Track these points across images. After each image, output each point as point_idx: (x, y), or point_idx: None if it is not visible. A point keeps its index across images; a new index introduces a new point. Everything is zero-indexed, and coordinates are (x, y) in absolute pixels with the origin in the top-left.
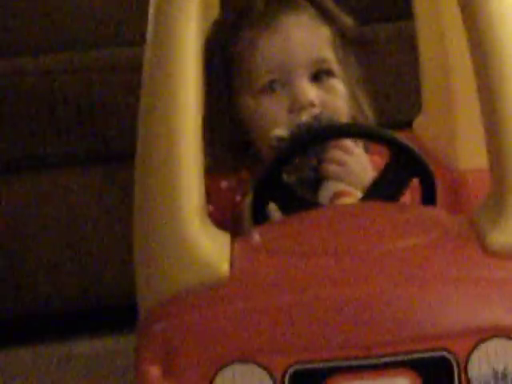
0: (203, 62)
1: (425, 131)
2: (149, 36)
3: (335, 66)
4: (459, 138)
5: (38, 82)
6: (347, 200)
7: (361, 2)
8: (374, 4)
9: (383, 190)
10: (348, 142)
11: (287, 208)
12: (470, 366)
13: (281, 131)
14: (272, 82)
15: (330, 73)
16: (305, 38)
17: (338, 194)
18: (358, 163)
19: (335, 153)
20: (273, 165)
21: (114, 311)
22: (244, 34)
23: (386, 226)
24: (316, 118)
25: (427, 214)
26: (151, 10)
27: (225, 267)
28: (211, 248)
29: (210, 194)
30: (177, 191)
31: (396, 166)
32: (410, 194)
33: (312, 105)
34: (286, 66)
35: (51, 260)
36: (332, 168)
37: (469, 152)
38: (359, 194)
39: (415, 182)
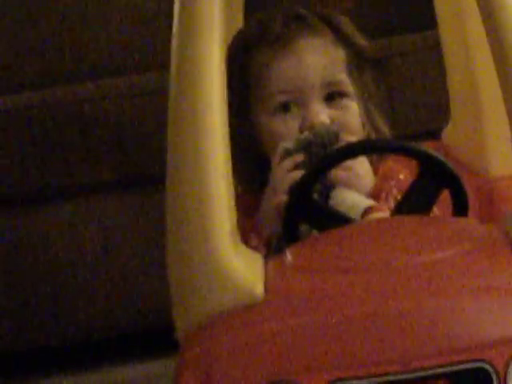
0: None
1: (454, 140)
2: (173, 60)
3: (349, 87)
4: (489, 145)
5: (68, 111)
6: (378, 215)
7: (387, 13)
8: (401, 14)
9: (414, 203)
10: None
11: (319, 226)
12: (509, 376)
13: (287, 144)
14: (286, 102)
15: (343, 94)
16: (319, 62)
17: (369, 210)
18: (362, 168)
19: None
20: (303, 183)
21: (153, 336)
22: (261, 55)
23: (418, 240)
24: (315, 131)
25: (459, 225)
26: (174, 34)
27: (259, 288)
28: (245, 269)
29: None
30: (208, 214)
31: (426, 179)
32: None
33: (323, 125)
34: (300, 89)
35: (89, 286)
36: (341, 174)
37: (499, 159)
38: (389, 209)
39: (446, 193)
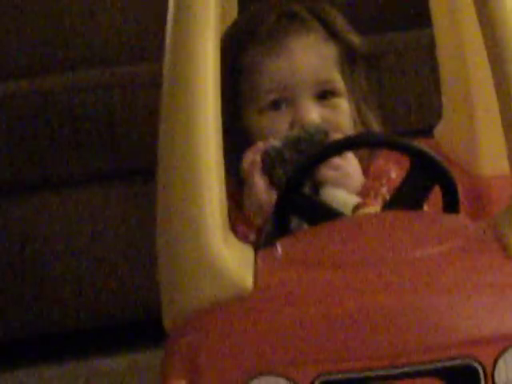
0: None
1: (446, 138)
2: (167, 53)
3: (340, 85)
4: (480, 143)
5: (59, 101)
6: (369, 210)
7: (380, 11)
8: (394, 12)
9: (405, 198)
10: None
11: (309, 219)
12: (496, 373)
13: (274, 141)
14: (276, 100)
15: (334, 92)
16: (310, 60)
17: (359, 205)
18: (351, 166)
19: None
20: (294, 176)
21: (140, 326)
22: (252, 51)
23: (408, 236)
24: (304, 128)
25: (449, 221)
26: (168, 27)
27: (249, 281)
28: (235, 262)
29: None
30: (199, 206)
31: (417, 174)
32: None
33: (313, 123)
34: (291, 86)
35: (76, 277)
36: (330, 173)
37: (490, 158)
38: (379, 204)
39: (437, 189)
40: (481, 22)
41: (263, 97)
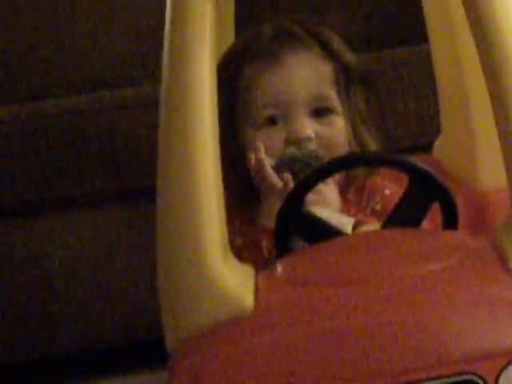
0: None
1: (445, 153)
2: (164, 73)
3: (336, 103)
4: (479, 158)
5: (60, 123)
6: (369, 227)
7: (377, 27)
8: (391, 28)
9: (404, 215)
10: None
11: (309, 238)
12: None
13: (270, 160)
14: (272, 115)
15: (329, 109)
16: (306, 77)
17: (359, 222)
18: (330, 192)
19: None
20: (294, 195)
21: (143, 348)
22: (249, 68)
23: (408, 253)
24: (300, 147)
25: (448, 237)
26: (165, 48)
27: (249, 300)
28: (235, 282)
29: None
30: (199, 226)
31: (415, 192)
32: (432, 218)
33: (309, 139)
34: (286, 103)
35: (80, 300)
36: (311, 197)
37: (489, 172)
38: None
39: (436, 206)
40: (475, 37)
41: (260, 113)
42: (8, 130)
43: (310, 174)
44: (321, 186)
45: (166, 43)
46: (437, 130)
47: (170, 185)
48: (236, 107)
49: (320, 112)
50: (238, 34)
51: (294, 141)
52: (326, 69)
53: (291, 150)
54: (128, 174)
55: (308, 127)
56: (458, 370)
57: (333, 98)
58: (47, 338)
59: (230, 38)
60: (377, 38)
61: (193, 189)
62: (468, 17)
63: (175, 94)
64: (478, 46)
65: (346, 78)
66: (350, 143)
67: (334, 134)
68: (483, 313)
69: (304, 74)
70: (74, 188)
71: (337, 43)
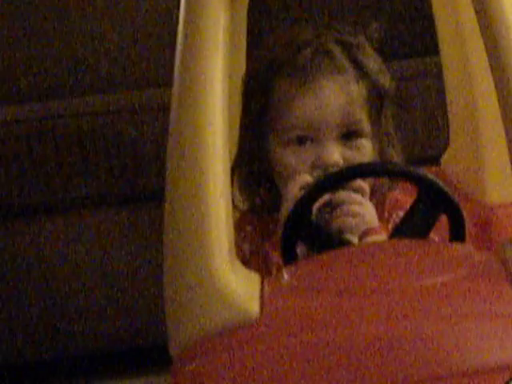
0: (242, 103)
1: (453, 166)
2: (176, 78)
3: (366, 126)
4: (488, 172)
5: (67, 125)
6: (376, 237)
7: (387, 38)
8: (401, 40)
9: (412, 227)
10: (362, 186)
11: (316, 246)
12: None
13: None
14: (301, 136)
15: (359, 133)
16: (338, 100)
17: (366, 232)
18: (369, 211)
19: (349, 206)
20: (301, 203)
21: (147, 352)
22: (282, 85)
23: (415, 264)
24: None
25: (455, 250)
26: (178, 52)
27: (255, 307)
28: (241, 289)
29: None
30: (206, 232)
31: (424, 203)
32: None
33: (336, 165)
34: (317, 125)
35: (85, 301)
36: (349, 221)
37: (498, 186)
38: (386, 232)
39: (444, 218)
40: (488, 50)
41: (289, 132)
42: (14, 130)
43: (317, 182)
44: (359, 209)
45: (179, 49)
46: (445, 143)
47: (178, 191)
48: (264, 120)
49: (349, 136)
50: (249, 40)
51: (321, 165)
52: (359, 92)
53: (317, 176)
54: (135, 177)
55: (336, 152)
56: (464, 383)
57: (363, 121)
58: (48, 339)
59: (241, 42)
60: (386, 49)
61: (201, 195)
62: (481, 29)
63: (186, 101)
64: (490, 59)
65: (378, 100)
66: None
67: (361, 158)
68: (489, 327)
69: (336, 98)
70: (79, 190)
71: (373, 64)
